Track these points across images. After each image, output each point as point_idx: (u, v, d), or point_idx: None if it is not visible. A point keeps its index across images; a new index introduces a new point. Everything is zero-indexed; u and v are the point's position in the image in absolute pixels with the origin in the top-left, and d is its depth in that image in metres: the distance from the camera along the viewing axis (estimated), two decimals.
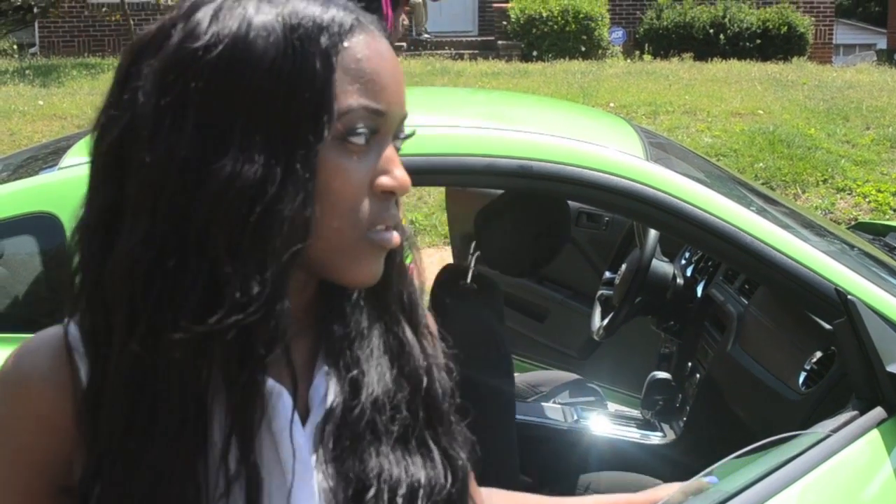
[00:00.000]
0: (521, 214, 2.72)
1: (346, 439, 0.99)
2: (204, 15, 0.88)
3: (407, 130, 1.01)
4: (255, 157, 0.86)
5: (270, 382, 0.95)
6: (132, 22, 13.42)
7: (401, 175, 0.96)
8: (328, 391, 1.01)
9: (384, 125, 0.95)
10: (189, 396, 0.89)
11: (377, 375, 1.03)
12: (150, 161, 0.86)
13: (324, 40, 0.90)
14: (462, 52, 15.01)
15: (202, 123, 0.86)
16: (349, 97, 0.91)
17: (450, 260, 4.33)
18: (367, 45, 0.94)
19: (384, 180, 0.95)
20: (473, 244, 2.87)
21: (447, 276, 2.92)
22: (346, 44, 0.92)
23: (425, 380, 1.07)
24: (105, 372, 0.91)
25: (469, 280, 2.80)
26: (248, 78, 0.87)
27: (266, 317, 0.88)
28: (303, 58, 0.89)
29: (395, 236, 0.98)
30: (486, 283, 2.86)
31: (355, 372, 1.01)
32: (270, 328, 0.89)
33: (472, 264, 2.83)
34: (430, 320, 1.14)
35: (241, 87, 0.87)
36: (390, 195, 0.96)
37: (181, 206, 0.86)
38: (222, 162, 0.86)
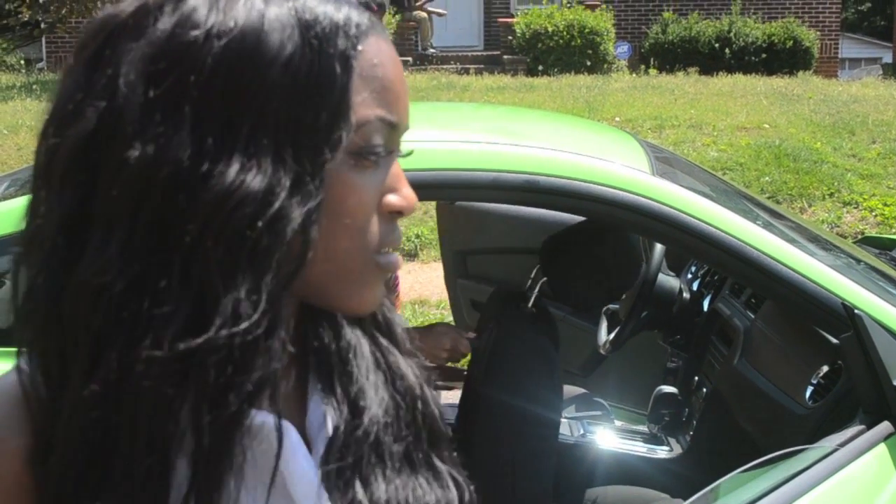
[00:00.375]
0: (594, 251, 2.74)
1: (350, 465, 0.91)
2: (198, 1, 0.77)
3: (404, 149, 0.91)
4: (262, 165, 0.76)
5: (271, 419, 0.84)
6: None
7: (409, 194, 0.88)
8: (326, 416, 0.92)
9: (395, 139, 0.87)
10: (155, 443, 0.76)
11: (375, 393, 0.95)
12: (135, 161, 0.74)
13: (341, 41, 0.80)
14: (468, 66, 15.05)
15: (200, 122, 0.75)
16: (366, 107, 0.82)
17: None
18: (381, 50, 0.84)
19: (393, 199, 0.87)
20: (536, 269, 2.88)
21: (503, 298, 2.94)
22: (361, 47, 0.82)
23: (420, 399, 0.99)
24: (58, 414, 0.77)
25: (531, 305, 2.83)
26: (260, 75, 0.76)
27: (256, 346, 0.76)
28: (321, 59, 0.79)
29: (400, 259, 0.90)
30: (545, 309, 2.88)
31: (353, 390, 0.94)
32: (261, 359, 0.77)
33: (537, 290, 2.85)
34: (411, 339, 1.07)
35: (252, 85, 0.76)
36: (398, 215, 0.88)
37: (168, 216, 0.74)
38: (223, 167, 0.75)
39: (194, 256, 0.74)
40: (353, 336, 0.97)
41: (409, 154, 0.93)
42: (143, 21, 0.77)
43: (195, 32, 0.75)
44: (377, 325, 1.00)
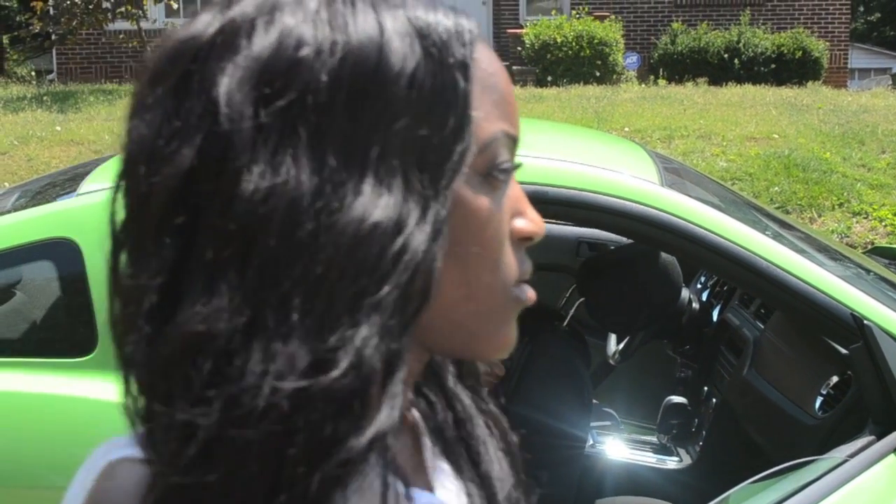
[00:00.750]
0: (632, 275, 2.76)
1: None
2: (298, 17, 0.68)
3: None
4: (392, 191, 0.67)
5: (436, 499, 0.77)
6: (149, 48, 13.51)
7: (536, 217, 0.80)
8: (461, 495, 0.83)
9: (514, 155, 0.78)
10: None
11: (500, 466, 0.86)
12: (249, 194, 0.64)
13: (458, 50, 0.72)
14: None
15: (320, 146, 0.66)
16: (490, 122, 0.75)
17: None
18: (491, 58, 0.77)
19: (522, 224, 0.78)
20: (572, 289, 2.90)
21: (536, 315, 2.97)
22: (475, 55, 0.74)
23: (520, 459, 0.90)
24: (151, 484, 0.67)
25: (566, 324, 2.85)
26: (386, 91, 0.68)
27: (377, 390, 0.66)
28: (443, 70, 0.71)
29: (533, 291, 0.80)
30: (578, 330, 2.89)
31: (483, 467, 0.85)
32: (384, 406, 0.67)
33: (573, 310, 2.87)
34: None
35: (377, 102, 0.68)
36: (527, 241, 0.79)
37: (285, 252, 0.65)
38: (351, 195, 0.66)
39: (316, 294, 0.65)
40: (466, 398, 0.89)
41: (519, 166, 0.81)
42: (234, 41, 0.68)
43: (305, 49, 0.67)
44: (470, 371, 0.91)
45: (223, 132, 0.65)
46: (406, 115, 0.68)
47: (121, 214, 0.71)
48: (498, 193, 0.76)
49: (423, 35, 0.71)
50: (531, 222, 0.79)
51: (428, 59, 0.70)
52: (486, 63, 0.76)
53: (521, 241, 0.79)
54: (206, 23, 0.69)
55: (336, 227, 0.65)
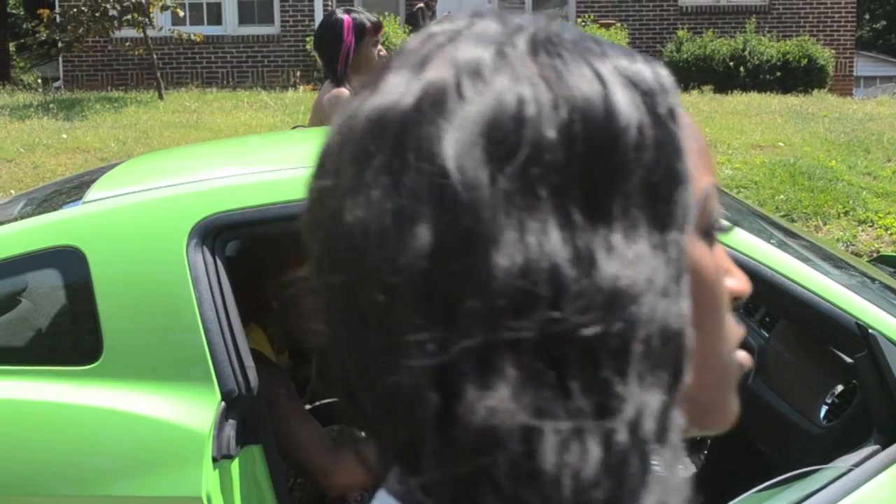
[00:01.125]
0: None
1: None
2: (507, 73, 0.63)
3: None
4: (640, 250, 0.62)
5: None
6: (155, 56, 13.55)
7: (742, 274, 0.76)
8: None
9: None
10: None
11: None
12: (505, 269, 0.58)
13: (664, 98, 0.67)
14: None
15: (563, 207, 0.61)
16: (701, 174, 0.70)
17: None
18: (683, 107, 0.71)
19: (734, 283, 0.74)
20: None
21: None
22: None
23: None
24: None
25: None
26: (620, 144, 0.63)
27: (646, 471, 0.61)
28: (657, 119, 0.66)
29: (748, 355, 0.76)
30: None
31: None
32: (658, 487, 0.62)
33: None
34: None
35: (613, 156, 0.63)
36: (737, 302, 0.75)
37: (554, 329, 0.59)
38: (603, 257, 0.60)
39: (589, 366, 0.60)
40: None
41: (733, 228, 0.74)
42: (444, 105, 0.62)
43: (526, 106, 0.61)
44: None
45: (462, 202, 0.59)
46: (639, 166, 0.63)
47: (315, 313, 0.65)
48: (714, 252, 0.71)
49: (633, 83, 0.66)
50: (740, 280, 0.75)
51: (645, 109, 0.65)
52: (683, 112, 0.69)
53: (733, 301, 0.74)
54: (401, 90, 0.63)
55: (594, 289, 0.59)
